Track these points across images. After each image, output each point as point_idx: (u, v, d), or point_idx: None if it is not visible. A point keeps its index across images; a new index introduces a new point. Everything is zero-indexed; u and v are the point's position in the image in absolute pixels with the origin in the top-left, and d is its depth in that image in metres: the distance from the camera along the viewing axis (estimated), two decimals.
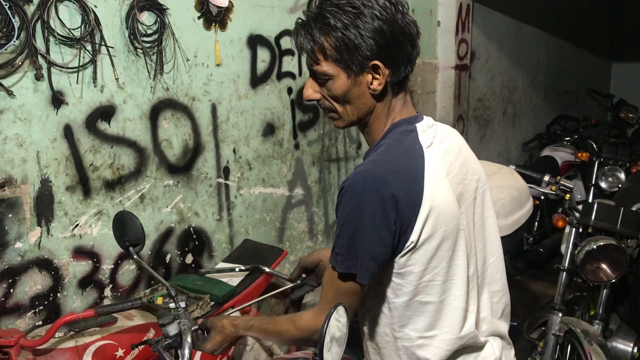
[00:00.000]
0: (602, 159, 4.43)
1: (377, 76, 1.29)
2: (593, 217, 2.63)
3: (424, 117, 1.40)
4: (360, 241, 1.22)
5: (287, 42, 3.03)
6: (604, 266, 2.53)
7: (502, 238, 2.58)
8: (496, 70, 5.22)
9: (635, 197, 2.95)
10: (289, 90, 3.09)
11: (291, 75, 3.09)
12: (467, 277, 1.36)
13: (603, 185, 4.35)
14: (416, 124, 1.35)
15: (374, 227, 1.21)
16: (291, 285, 1.89)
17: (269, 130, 3.01)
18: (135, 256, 1.60)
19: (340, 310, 1.09)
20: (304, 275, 1.86)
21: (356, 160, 3.60)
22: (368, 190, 1.21)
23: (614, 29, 7.81)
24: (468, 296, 1.37)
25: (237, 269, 2.46)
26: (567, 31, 6.34)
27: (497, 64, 5.22)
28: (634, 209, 2.71)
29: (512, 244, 2.76)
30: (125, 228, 1.61)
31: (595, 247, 2.50)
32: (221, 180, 2.79)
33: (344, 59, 1.26)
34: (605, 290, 2.76)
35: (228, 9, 2.69)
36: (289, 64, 3.07)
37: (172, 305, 1.85)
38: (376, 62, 1.26)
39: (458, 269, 1.33)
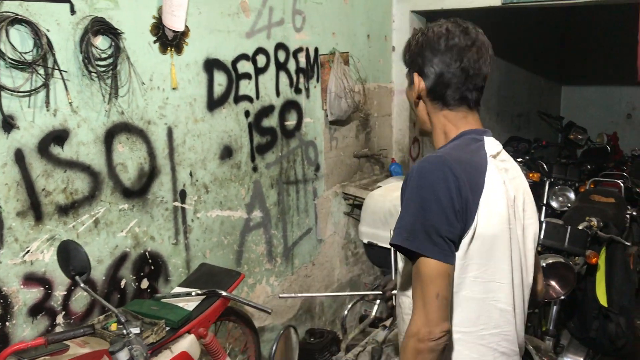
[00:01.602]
0: (552, 179, 4.57)
1: (415, 86, 1.53)
2: (542, 236, 2.72)
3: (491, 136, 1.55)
4: (424, 216, 1.31)
5: (244, 66, 3.06)
6: (553, 283, 2.62)
7: None
8: None
9: (582, 216, 3.06)
10: (247, 113, 3.11)
11: (248, 98, 3.11)
12: (513, 283, 1.44)
13: (554, 204, 4.49)
14: (484, 137, 1.50)
15: (439, 205, 1.31)
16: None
17: (227, 153, 3.01)
18: (82, 285, 1.59)
19: (290, 331, 1.10)
20: (395, 291, 1.92)
21: (315, 182, 3.63)
22: (435, 171, 1.33)
23: (563, 54, 8.13)
24: (514, 302, 1.45)
25: (193, 294, 2.45)
26: (517, 56, 6.57)
27: None
28: (580, 227, 2.81)
29: None
30: (70, 257, 1.60)
31: (544, 264, 2.59)
32: (177, 204, 2.78)
33: (408, 71, 1.56)
34: (555, 306, 2.84)
35: (184, 34, 2.70)
36: (246, 87, 3.10)
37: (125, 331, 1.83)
38: (415, 73, 1.52)
39: (504, 273, 1.42)
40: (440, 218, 1.30)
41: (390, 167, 4.18)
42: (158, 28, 2.59)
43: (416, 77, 1.51)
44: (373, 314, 2.28)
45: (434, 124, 1.54)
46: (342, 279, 4.01)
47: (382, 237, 2.55)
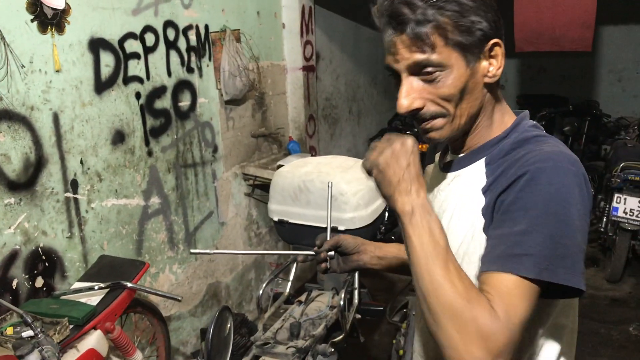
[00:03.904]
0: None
1: (493, 61, 1.04)
2: None
3: None
4: (563, 235, 0.95)
5: (131, 45, 2.89)
6: None
7: (363, 228, 2.71)
8: (340, 70, 5.44)
9: None
10: (137, 95, 2.96)
11: (138, 79, 2.96)
12: None
13: None
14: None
15: (580, 219, 0.97)
16: (313, 253, 1.42)
17: (119, 138, 2.86)
18: None
19: (225, 314, 1.07)
20: (332, 253, 1.41)
21: (213, 164, 3.55)
22: (568, 173, 0.97)
23: None
24: None
25: (96, 287, 2.31)
26: None
27: (340, 64, 5.43)
28: None
29: (371, 233, 2.89)
30: None
31: None
32: (69, 195, 2.60)
33: (466, 41, 0.99)
34: None
35: (65, 11, 2.51)
36: (135, 67, 2.94)
37: (26, 333, 1.70)
38: (497, 40, 1.02)
39: None
40: (579, 236, 0.97)
41: (289, 146, 4.18)
42: (35, 5, 2.38)
43: (500, 50, 1.04)
44: (287, 290, 2.28)
45: (485, 114, 1.11)
46: (247, 261, 3.98)
47: (293, 213, 2.55)
